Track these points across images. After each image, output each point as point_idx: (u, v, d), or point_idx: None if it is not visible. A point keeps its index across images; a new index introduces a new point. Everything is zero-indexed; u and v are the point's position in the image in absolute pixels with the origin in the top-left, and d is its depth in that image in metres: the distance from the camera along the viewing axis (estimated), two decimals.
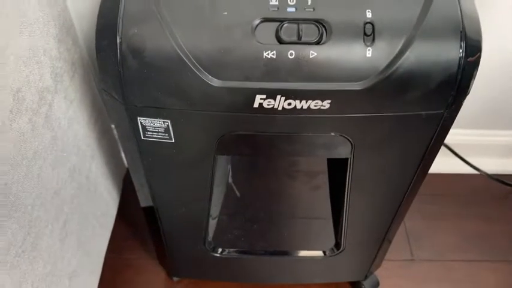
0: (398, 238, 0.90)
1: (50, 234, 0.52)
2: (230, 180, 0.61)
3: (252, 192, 0.65)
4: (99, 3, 0.44)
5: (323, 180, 0.61)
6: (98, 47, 0.43)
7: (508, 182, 1.00)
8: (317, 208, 0.66)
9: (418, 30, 0.42)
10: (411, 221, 0.95)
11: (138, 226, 0.89)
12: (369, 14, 0.42)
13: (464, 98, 0.46)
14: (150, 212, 0.64)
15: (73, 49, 0.57)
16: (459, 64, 0.43)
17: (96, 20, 0.44)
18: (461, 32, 0.43)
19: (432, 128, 0.48)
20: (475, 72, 0.45)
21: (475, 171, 0.97)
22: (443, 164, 0.89)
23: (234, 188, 0.69)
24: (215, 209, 0.65)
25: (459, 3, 0.43)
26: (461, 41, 0.43)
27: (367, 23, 0.42)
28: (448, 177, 1.02)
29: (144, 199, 0.62)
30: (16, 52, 0.43)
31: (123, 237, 0.87)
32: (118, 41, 0.42)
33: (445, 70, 0.43)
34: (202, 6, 0.42)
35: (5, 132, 0.41)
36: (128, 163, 0.58)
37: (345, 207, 0.60)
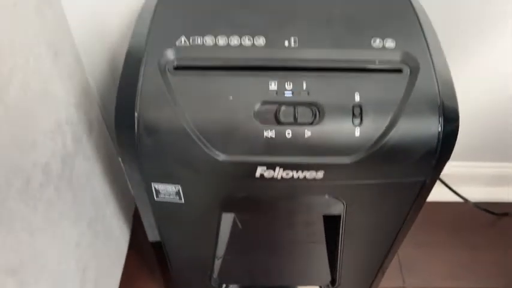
0: (391, 266, 0.95)
1: (72, 285, 0.58)
2: (234, 224, 0.67)
3: (254, 234, 0.71)
4: (119, 79, 0.49)
5: (319, 226, 0.67)
6: (117, 123, 0.48)
7: (493, 211, 1.05)
8: (314, 249, 0.71)
9: (401, 111, 0.47)
10: (403, 249, 1.00)
11: (147, 256, 0.94)
12: (357, 97, 0.47)
13: (444, 165, 0.52)
14: (158, 245, 0.69)
15: (91, 110, 0.63)
16: (438, 138, 0.48)
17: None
18: (439, 109, 0.48)
19: (416, 191, 0.54)
20: (453, 143, 0.50)
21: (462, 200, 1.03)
22: (432, 192, 0.95)
23: (238, 222, 0.74)
24: (220, 251, 0.70)
25: (437, 83, 0.49)
26: (439, 116, 0.48)
27: (355, 105, 0.47)
28: (437, 206, 1.08)
29: (153, 236, 0.68)
30: (44, 130, 0.49)
31: (134, 266, 0.92)
32: (136, 120, 0.47)
33: (426, 144, 0.48)
34: (210, 91, 0.47)
35: (36, 206, 0.47)
36: (140, 212, 0.63)
37: (339, 251, 0.66)
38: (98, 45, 0.74)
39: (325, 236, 0.68)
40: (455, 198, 1.02)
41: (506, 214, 1.07)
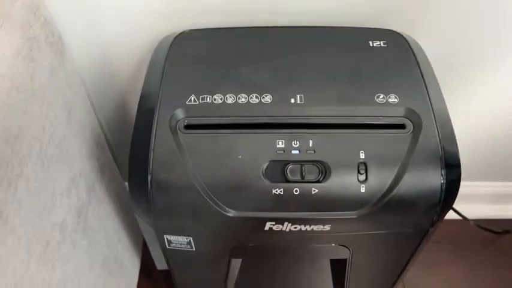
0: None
1: None
2: (243, 267, 0.69)
3: (262, 276, 0.73)
4: (131, 132, 0.51)
5: (326, 268, 0.69)
6: (130, 184, 0.50)
7: (494, 229, 1.07)
8: (321, 285, 0.73)
9: (405, 167, 0.49)
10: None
11: (155, 282, 0.96)
12: (362, 155, 0.49)
13: (447, 212, 0.54)
14: (166, 272, 0.71)
15: (102, 155, 0.64)
16: (441, 189, 0.50)
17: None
18: (441, 162, 0.50)
19: (420, 237, 0.55)
20: (456, 192, 0.52)
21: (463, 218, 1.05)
22: None
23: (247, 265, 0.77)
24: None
25: (439, 137, 0.50)
26: (441, 169, 0.50)
27: (360, 163, 0.49)
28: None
29: (161, 265, 0.70)
30: (60, 190, 0.50)
31: None
32: (149, 181, 0.49)
33: (429, 197, 0.50)
34: (220, 150, 0.49)
35: (54, 266, 0.48)
36: (150, 251, 0.65)
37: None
38: (108, 86, 0.76)
39: (332, 273, 0.70)
40: (455, 216, 1.04)
41: (507, 232, 1.09)
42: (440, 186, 0.50)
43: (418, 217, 0.52)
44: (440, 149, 0.50)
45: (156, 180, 0.49)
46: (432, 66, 0.57)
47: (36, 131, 0.45)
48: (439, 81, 0.56)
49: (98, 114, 0.82)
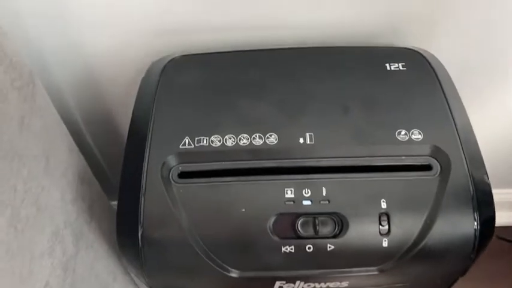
0: None
1: None
2: None
3: None
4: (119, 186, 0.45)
5: None
6: (120, 241, 0.44)
7: (508, 238, 1.01)
8: None
9: (433, 215, 0.42)
10: None
11: None
12: (383, 204, 0.42)
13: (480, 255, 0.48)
14: None
15: (90, 193, 0.58)
16: (475, 235, 0.44)
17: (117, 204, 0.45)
18: (473, 206, 0.43)
19: (450, 282, 0.49)
20: (491, 235, 0.45)
21: None
22: None
23: None
24: None
25: (470, 177, 0.44)
26: (474, 213, 0.43)
27: (382, 213, 0.42)
28: None
29: None
30: (40, 252, 0.44)
31: None
32: (139, 238, 0.43)
33: (461, 246, 0.44)
34: (219, 203, 0.43)
35: None
36: None
37: None
38: (96, 106, 0.70)
39: None
40: None
41: None
42: (473, 232, 0.44)
43: (448, 268, 0.46)
44: (471, 190, 0.44)
45: (147, 237, 0.43)
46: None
47: (6, 194, 0.38)
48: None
49: (84, 133, 0.76)
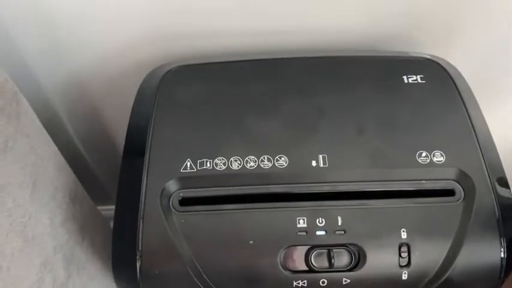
0: None
1: None
2: None
3: None
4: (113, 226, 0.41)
5: None
6: (116, 275, 0.40)
7: None
8: None
9: (457, 244, 0.39)
10: None
11: None
12: (403, 234, 0.39)
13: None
14: None
15: (82, 211, 0.54)
16: (501, 264, 0.40)
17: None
18: (500, 232, 0.40)
19: None
20: None
21: None
22: None
23: None
24: None
25: (496, 202, 0.41)
26: (501, 239, 0.40)
27: (402, 244, 0.39)
28: None
29: None
30: (30, 284, 0.40)
31: None
32: (137, 273, 0.39)
33: (487, 276, 0.40)
34: (224, 233, 0.39)
35: None
36: None
37: None
38: (87, 115, 0.66)
39: None
40: None
41: None
42: (500, 261, 0.40)
43: None
44: (497, 215, 0.40)
45: (146, 271, 0.39)
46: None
47: None
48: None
49: (76, 143, 0.72)
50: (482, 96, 0.51)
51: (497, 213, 0.40)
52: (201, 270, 0.39)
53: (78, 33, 0.52)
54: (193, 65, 0.48)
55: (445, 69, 0.47)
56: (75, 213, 0.53)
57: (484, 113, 0.46)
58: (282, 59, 0.48)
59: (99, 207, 0.67)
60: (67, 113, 0.65)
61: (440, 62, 0.48)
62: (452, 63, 0.51)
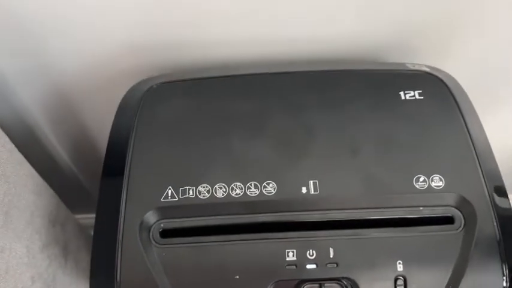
0: None
1: None
2: None
3: None
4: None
5: None
6: None
7: None
8: None
9: (457, 278, 0.36)
10: None
11: None
12: (399, 267, 0.36)
13: None
14: None
15: (63, 231, 0.52)
16: None
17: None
18: (502, 262, 0.37)
19: None
20: None
21: None
22: None
23: None
24: None
25: (498, 230, 0.38)
26: (503, 269, 0.38)
27: (398, 277, 0.37)
28: None
29: None
30: None
31: None
32: None
33: None
34: (208, 268, 0.36)
35: None
36: None
37: None
38: (68, 123, 0.63)
39: None
40: None
41: None
42: None
43: None
44: (500, 243, 0.38)
45: None
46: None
47: None
48: None
49: (60, 152, 0.70)
50: (482, 105, 0.48)
51: (499, 242, 0.38)
52: None
53: (60, 42, 0.50)
54: (176, 81, 0.46)
55: (445, 84, 0.45)
56: (57, 236, 0.50)
57: (483, 122, 0.44)
58: (270, 74, 0.45)
59: (86, 216, 0.65)
60: (49, 123, 0.63)
61: (440, 75, 0.45)
62: (452, 72, 0.48)
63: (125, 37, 0.49)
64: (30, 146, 0.58)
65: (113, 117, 0.45)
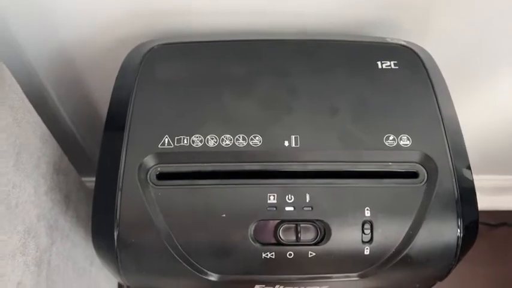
0: None
1: None
2: None
3: None
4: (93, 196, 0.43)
5: None
6: (95, 244, 0.43)
7: (490, 222, 1.03)
8: None
9: (417, 224, 0.42)
10: None
11: None
12: (367, 213, 0.41)
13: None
14: None
15: (66, 180, 0.56)
16: (457, 244, 0.43)
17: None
18: (458, 214, 0.43)
19: (431, 285, 0.50)
20: (472, 243, 0.45)
21: None
22: None
23: None
24: None
25: (457, 186, 0.43)
26: (458, 220, 0.43)
27: (365, 222, 0.42)
28: None
29: None
30: (12, 251, 0.43)
31: None
32: (115, 242, 0.41)
33: (443, 255, 0.43)
34: (199, 207, 0.41)
35: None
36: None
37: None
38: (73, 88, 0.67)
39: None
40: None
41: (504, 224, 1.05)
42: (456, 241, 0.43)
43: (428, 275, 0.45)
44: (457, 198, 0.43)
45: (123, 240, 0.41)
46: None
47: None
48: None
49: (63, 115, 0.73)
50: (459, 84, 0.53)
51: (456, 196, 0.43)
52: (175, 240, 0.41)
53: (62, 7, 0.53)
54: (175, 43, 0.50)
55: (418, 56, 0.49)
56: (60, 183, 0.55)
57: (459, 101, 0.48)
58: (260, 40, 0.50)
59: (87, 179, 0.69)
60: (52, 85, 0.66)
61: (415, 49, 0.50)
62: (430, 50, 0.52)
63: (125, 4, 0.53)
64: (34, 106, 0.62)
65: (113, 82, 0.49)
